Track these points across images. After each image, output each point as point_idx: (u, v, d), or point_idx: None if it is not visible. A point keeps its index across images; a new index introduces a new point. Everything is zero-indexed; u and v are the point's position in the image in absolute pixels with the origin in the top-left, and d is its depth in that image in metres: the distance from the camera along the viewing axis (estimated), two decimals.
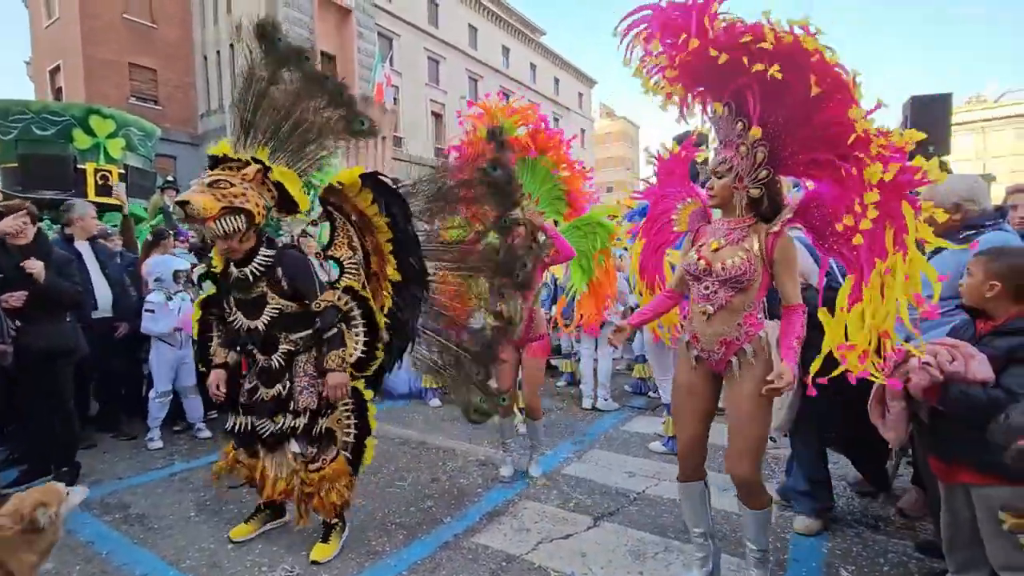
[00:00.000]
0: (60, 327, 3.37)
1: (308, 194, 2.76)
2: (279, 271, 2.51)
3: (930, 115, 5.33)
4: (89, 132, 6.81)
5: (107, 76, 18.39)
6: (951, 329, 2.14)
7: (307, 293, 2.53)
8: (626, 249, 4.19)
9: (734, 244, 2.07)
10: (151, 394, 4.23)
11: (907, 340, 1.98)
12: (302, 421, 2.56)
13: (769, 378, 1.91)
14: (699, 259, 2.12)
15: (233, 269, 2.52)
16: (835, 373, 2.00)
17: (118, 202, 5.83)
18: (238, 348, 2.75)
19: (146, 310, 4.18)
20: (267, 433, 2.62)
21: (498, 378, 3.62)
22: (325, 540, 2.63)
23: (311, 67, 2.60)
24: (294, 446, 2.62)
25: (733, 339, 2.06)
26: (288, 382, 2.59)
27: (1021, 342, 1.86)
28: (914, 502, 2.93)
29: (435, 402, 5.42)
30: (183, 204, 2.29)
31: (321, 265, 2.86)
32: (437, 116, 26.99)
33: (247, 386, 2.68)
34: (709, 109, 2.15)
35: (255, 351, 2.62)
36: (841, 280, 2.11)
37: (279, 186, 2.52)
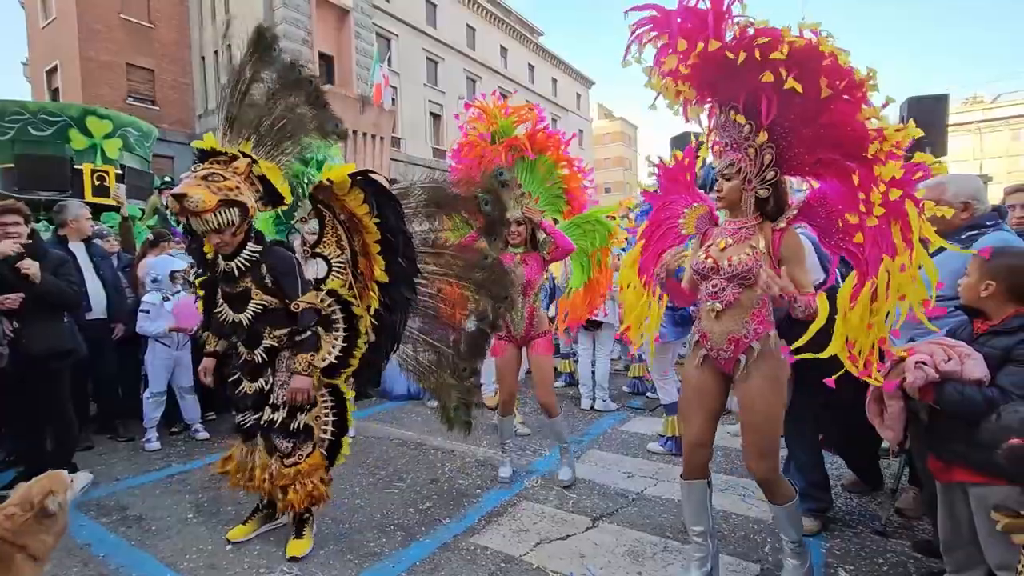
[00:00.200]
0: (58, 328, 3.36)
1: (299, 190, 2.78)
2: (263, 268, 2.52)
3: (927, 116, 5.34)
4: (86, 133, 6.78)
5: (104, 76, 18.36)
6: (949, 329, 2.15)
7: (288, 292, 2.54)
8: (624, 250, 4.19)
9: (740, 242, 2.11)
10: (146, 394, 4.23)
11: (911, 340, 1.99)
12: (280, 415, 2.58)
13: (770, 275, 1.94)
14: (706, 257, 2.17)
15: (221, 261, 2.53)
16: (837, 375, 2.01)
17: (115, 203, 5.82)
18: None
19: (142, 310, 4.18)
20: (246, 425, 2.66)
21: (500, 382, 3.63)
22: (299, 535, 2.67)
23: (296, 70, 2.67)
24: (278, 442, 2.62)
25: (741, 337, 2.09)
26: (270, 376, 2.62)
27: (1017, 341, 1.87)
28: (912, 502, 2.94)
29: (434, 403, 5.40)
30: (180, 197, 2.29)
31: (305, 261, 2.85)
32: (435, 116, 26.98)
33: (231, 379, 2.71)
34: (718, 113, 2.18)
35: (239, 344, 2.64)
36: (842, 281, 2.12)
37: (263, 179, 2.54)
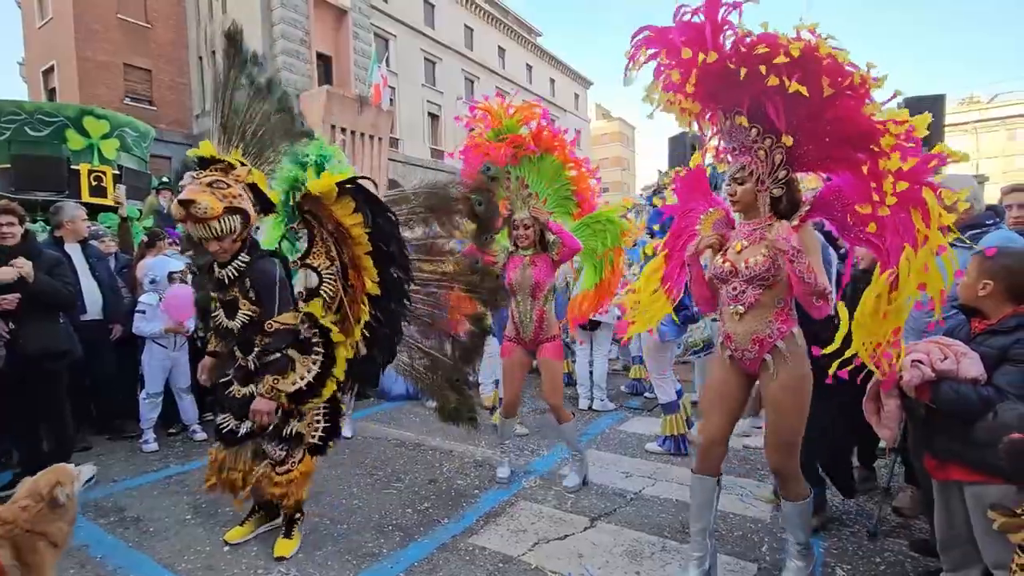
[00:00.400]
0: (53, 329, 3.35)
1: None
2: (247, 280, 2.50)
3: None
4: (83, 133, 6.75)
5: (101, 77, 18.31)
6: (947, 328, 2.16)
7: (266, 309, 2.48)
8: (634, 250, 4.15)
9: (756, 243, 2.13)
10: (142, 395, 4.22)
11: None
12: (274, 419, 2.56)
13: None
14: (724, 261, 2.19)
15: (216, 267, 2.53)
16: (834, 369, 2.02)
17: (113, 203, 5.80)
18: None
19: (138, 311, 4.17)
20: (226, 429, 2.64)
21: (505, 383, 3.61)
22: (288, 535, 2.70)
23: (259, 73, 2.67)
24: (270, 448, 2.60)
25: (766, 337, 2.11)
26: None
27: (1013, 341, 1.88)
28: (909, 501, 2.95)
29: (432, 403, 5.41)
30: (188, 203, 2.28)
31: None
32: (433, 117, 26.98)
33: (223, 379, 2.71)
34: (722, 119, 2.21)
35: (235, 349, 2.64)
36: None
37: (253, 187, 2.53)
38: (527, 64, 33.69)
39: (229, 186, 2.40)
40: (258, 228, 2.80)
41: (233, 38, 2.57)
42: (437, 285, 3.04)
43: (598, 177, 3.86)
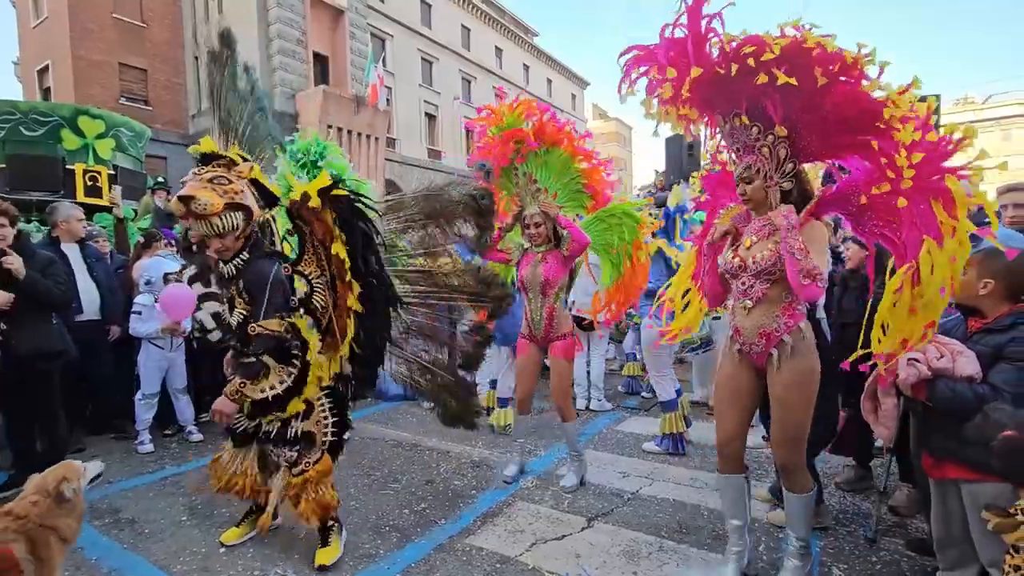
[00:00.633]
0: (45, 329, 3.33)
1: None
2: (242, 279, 2.46)
3: None
4: (78, 133, 6.73)
5: (96, 76, 18.24)
6: (944, 326, 2.17)
7: (253, 311, 2.41)
8: (653, 236, 4.09)
9: (764, 239, 2.16)
10: (137, 396, 4.20)
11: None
12: (275, 425, 2.54)
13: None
14: (734, 257, 2.23)
15: (221, 263, 2.52)
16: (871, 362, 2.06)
17: (108, 203, 5.78)
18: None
19: (134, 312, 4.15)
20: (239, 429, 2.62)
21: (518, 381, 3.59)
22: (325, 543, 2.59)
23: (232, 66, 2.67)
24: (280, 452, 2.57)
25: (772, 331, 2.13)
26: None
27: (1009, 339, 1.88)
28: (906, 500, 2.95)
29: (429, 405, 5.40)
30: (187, 199, 2.25)
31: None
32: (430, 117, 26.96)
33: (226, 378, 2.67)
34: (722, 122, 2.24)
35: (239, 345, 2.60)
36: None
37: (255, 183, 2.51)
38: (524, 64, 33.70)
39: (230, 182, 2.37)
40: (275, 218, 2.74)
41: (223, 38, 2.59)
42: (437, 297, 2.95)
43: (610, 171, 3.76)
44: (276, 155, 2.98)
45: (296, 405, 2.49)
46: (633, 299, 3.92)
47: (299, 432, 2.56)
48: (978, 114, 36.35)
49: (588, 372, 5.30)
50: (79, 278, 4.07)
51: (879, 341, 2.09)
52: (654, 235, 4.05)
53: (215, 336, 4.43)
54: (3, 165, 6.13)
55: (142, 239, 4.79)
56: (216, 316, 4.47)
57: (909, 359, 1.95)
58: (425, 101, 26.43)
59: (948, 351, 1.93)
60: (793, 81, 1.86)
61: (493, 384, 4.94)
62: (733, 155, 2.30)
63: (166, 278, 4.24)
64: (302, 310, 2.55)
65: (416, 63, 25.96)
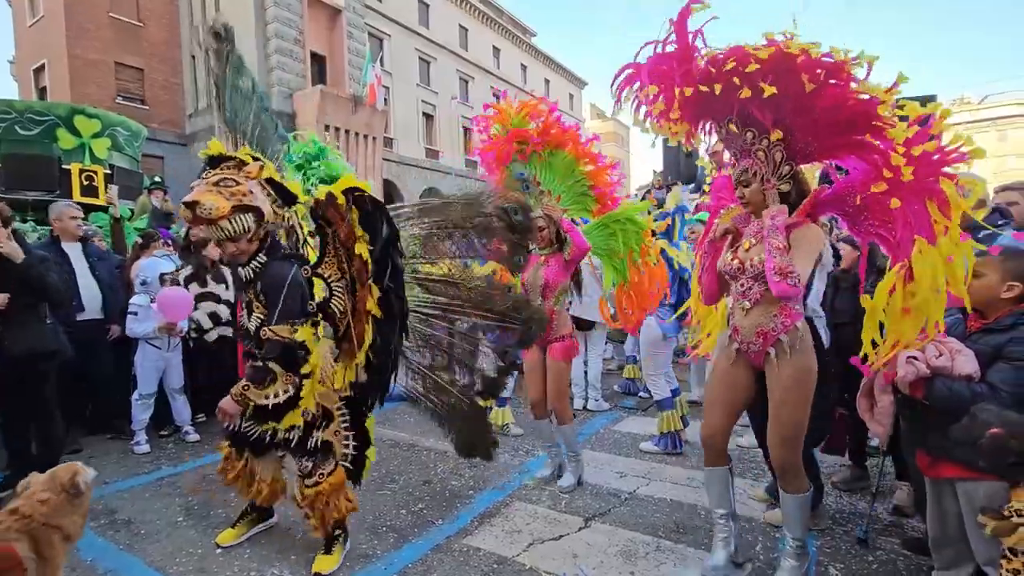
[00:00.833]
0: (40, 329, 3.30)
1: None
2: (259, 282, 2.42)
3: None
4: (74, 132, 6.70)
5: (93, 75, 18.18)
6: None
7: (268, 314, 2.36)
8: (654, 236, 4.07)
9: (762, 241, 2.17)
10: (134, 396, 4.19)
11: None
12: (296, 433, 2.46)
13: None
14: (733, 259, 2.26)
15: (239, 268, 2.48)
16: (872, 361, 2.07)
17: (104, 203, 5.76)
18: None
19: (130, 312, 4.13)
20: (255, 436, 2.54)
21: (525, 387, 3.58)
22: (328, 551, 2.55)
23: (236, 61, 2.64)
24: (297, 462, 2.53)
25: (770, 330, 2.15)
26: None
27: (1008, 339, 1.88)
28: (907, 499, 2.94)
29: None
30: (192, 205, 2.20)
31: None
32: (428, 116, 26.95)
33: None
34: (718, 129, 2.28)
35: (253, 350, 2.54)
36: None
37: (271, 181, 2.46)
38: (522, 64, 33.71)
39: (238, 183, 2.31)
40: (302, 225, 2.69)
41: (218, 34, 2.54)
42: (460, 311, 2.85)
43: (618, 175, 3.71)
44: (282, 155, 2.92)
45: (293, 418, 2.39)
46: (650, 305, 3.83)
47: (319, 442, 2.50)
48: (974, 114, 36.50)
49: (585, 372, 5.31)
50: (80, 277, 4.05)
51: (872, 342, 2.11)
52: (655, 235, 4.04)
53: (212, 336, 4.44)
54: None
55: (140, 239, 4.78)
56: (213, 316, 4.47)
57: (908, 357, 1.95)
58: (423, 101, 26.42)
59: (947, 349, 1.93)
60: (774, 90, 1.88)
61: None
62: (731, 158, 2.33)
63: (161, 278, 4.24)
64: (318, 316, 2.47)
65: (414, 63, 25.94)
